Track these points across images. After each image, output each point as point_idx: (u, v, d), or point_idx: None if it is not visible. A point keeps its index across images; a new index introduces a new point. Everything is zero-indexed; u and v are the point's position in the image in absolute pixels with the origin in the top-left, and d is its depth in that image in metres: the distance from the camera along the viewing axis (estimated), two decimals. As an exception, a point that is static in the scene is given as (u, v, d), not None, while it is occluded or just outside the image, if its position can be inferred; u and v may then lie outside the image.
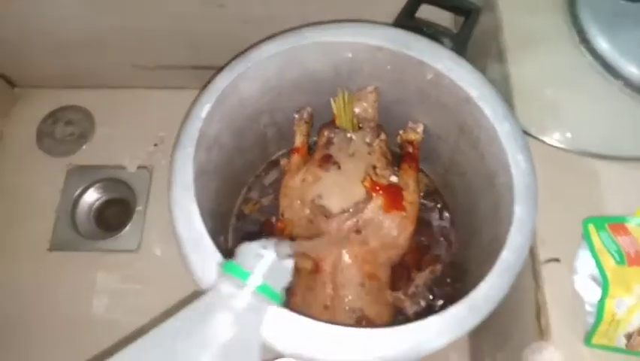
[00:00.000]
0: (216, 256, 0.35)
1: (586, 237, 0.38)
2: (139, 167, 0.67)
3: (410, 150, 0.53)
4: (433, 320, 0.34)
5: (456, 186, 0.54)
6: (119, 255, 0.64)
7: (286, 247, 0.32)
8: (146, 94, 0.71)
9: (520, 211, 0.36)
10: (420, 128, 0.53)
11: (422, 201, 0.57)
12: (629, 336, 0.36)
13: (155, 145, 0.68)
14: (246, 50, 0.44)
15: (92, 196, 0.67)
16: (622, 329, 0.36)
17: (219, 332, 0.28)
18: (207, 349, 0.28)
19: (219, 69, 0.43)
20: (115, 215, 0.67)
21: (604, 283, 0.36)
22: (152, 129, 0.69)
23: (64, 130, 0.70)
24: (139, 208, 0.65)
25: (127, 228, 0.65)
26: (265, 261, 0.30)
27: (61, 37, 0.62)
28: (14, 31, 0.60)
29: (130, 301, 0.62)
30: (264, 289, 0.30)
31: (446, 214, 0.57)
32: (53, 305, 0.62)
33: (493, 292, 0.34)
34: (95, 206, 0.67)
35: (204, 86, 0.42)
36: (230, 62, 0.43)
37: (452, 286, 0.52)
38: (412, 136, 0.53)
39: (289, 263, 0.32)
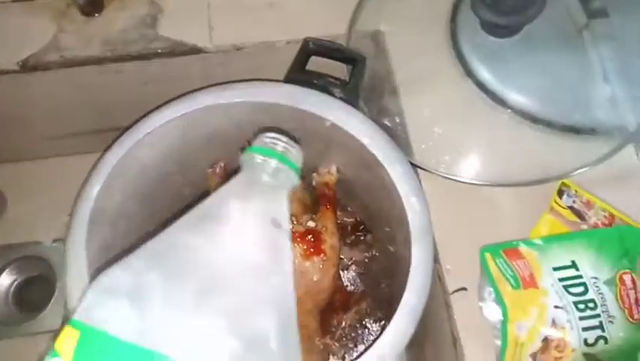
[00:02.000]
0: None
1: (483, 265, 0.40)
2: (54, 240, 0.65)
3: (326, 191, 0.53)
4: (345, 373, 0.34)
5: (376, 224, 0.56)
6: (44, 336, 0.60)
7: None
8: (58, 163, 0.68)
9: (416, 252, 0.38)
10: (334, 169, 0.53)
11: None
12: (534, 355, 0.38)
13: (70, 215, 0.66)
14: (139, 119, 0.44)
15: (8, 279, 0.63)
16: (527, 350, 0.37)
17: (257, 200, 0.33)
18: (250, 214, 0.32)
19: (109, 145, 0.42)
20: (36, 295, 0.64)
21: (503, 310, 0.38)
22: (66, 199, 0.65)
23: (-28, 211, 0.67)
24: (59, 283, 0.62)
25: (49, 307, 0.61)
26: (282, 140, 0.37)
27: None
28: None
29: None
30: (285, 161, 0.36)
31: (372, 251, 0.58)
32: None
33: (398, 338, 0.35)
34: (12, 289, 0.64)
35: (96, 162, 0.41)
36: (120, 135, 0.42)
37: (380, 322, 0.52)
38: (326, 178, 0.54)
39: (298, 148, 0.38)
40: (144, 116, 0.43)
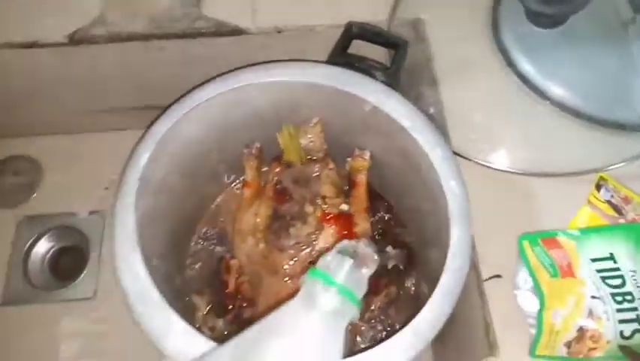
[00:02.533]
0: (162, 305, 0.35)
1: (521, 253, 0.40)
2: (91, 212, 0.66)
3: (359, 177, 0.54)
4: (380, 348, 0.35)
5: (407, 210, 0.56)
6: (76, 304, 0.62)
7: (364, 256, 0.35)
8: (94, 138, 0.70)
9: (455, 235, 0.38)
10: (367, 155, 0.54)
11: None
12: (568, 344, 0.38)
13: (106, 189, 0.67)
14: (185, 94, 0.44)
15: (44, 246, 0.65)
16: (561, 338, 0.38)
17: (308, 331, 0.32)
18: (297, 348, 0.31)
19: (158, 115, 0.43)
20: (70, 263, 0.66)
21: (540, 297, 0.38)
22: (102, 173, 0.68)
23: (12, 181, 0.69)
24: (93, 254, 0.64)
25: (82, 275, 0.63)
26: (346, 266, 0.33)
27: (4, 90, 0.61)
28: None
29: (89, 351, 0.60)
30: (345, 292, 0.33)
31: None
32: (9, 361, 0.60)
33: (436, 317, 0.35)
34: (47, 256, 0.66)
35: (144, 132, 0.43)
36: (169, 106, 0.43)
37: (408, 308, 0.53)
38: (359, 163, 0.54)
39: (366, 272, 0.35)
40: (190, 91, 0.44)
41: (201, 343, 0.34)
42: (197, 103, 0.43)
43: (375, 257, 0.35)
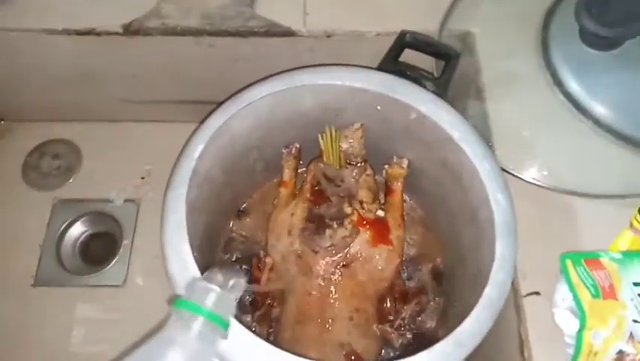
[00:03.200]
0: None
1: (563, 271, 0.40)
2: (126, 200, 0.67)
3: (395, 184, 0.54)
4: (420, 356, 0.35)
5: (441, 220, 0.56)
6: (105, 290, 0.63)
7: (231, 279, 0.36)
8: (133, 127, 0.71)
9: (501, 248, 0.38)
10: (405, 164, 0.54)
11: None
12: (606, 367, 0.37)
13: (143, 178, 0.69)
14: (239, 91, 0.45)
15: (77, 230, 0.67)
16: (599, 360, 0.37)
17: (180, 356, 0.32)
18: None
19: (213, 109, 0.44)
20: (101, 249, 0.67)
21: (581, 316, 0.38)
22: (139, 163, 0.69)
23: (50, 164, 0.70)
24: (125, 242, 0.65)
25: (113, 262, 0.64)
26: (213, 293, 0.34)
27: (50, 74, 0.63)
28: (4, 66, 0.61)
29: (116, 338, 0.61)
30: (213, 317, 0.33)
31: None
32: (37, 342, 0.61)
33: (478, 328, 0.35)
34: (80, 240, 0.67)
35: (198, 126, 0.43)
36: (223, 102, 0.44)
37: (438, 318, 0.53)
38: (397, 171, 0.54)
39: (234, 294, 0.35)
40: (245, 87, 0.44)
41: (245, 335, 0.35)
42: (251, 100, 0.44)
43: (242, 281, 0.36)
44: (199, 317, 0.33)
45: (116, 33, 0.54)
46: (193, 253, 0.40)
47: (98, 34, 0.54)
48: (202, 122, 0.43)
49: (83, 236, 0.67)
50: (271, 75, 0.46)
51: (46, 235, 0.66)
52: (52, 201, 0.68)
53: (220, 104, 0.44)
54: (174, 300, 0.34)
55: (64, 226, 0.66)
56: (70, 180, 0.69)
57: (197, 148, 0.41)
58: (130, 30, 0.54)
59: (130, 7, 0.54)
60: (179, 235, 0.38)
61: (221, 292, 0.34)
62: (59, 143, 0.72)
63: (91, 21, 0.54)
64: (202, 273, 0.38)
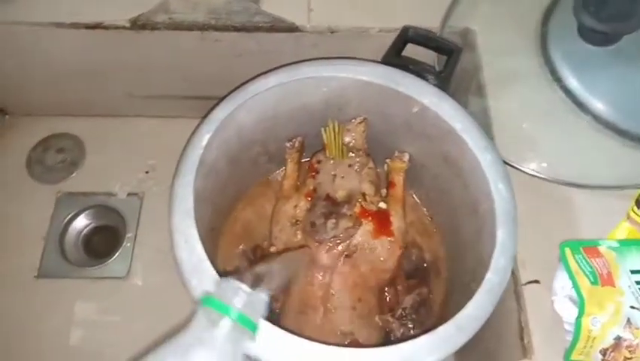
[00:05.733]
0: (217, 279, 0.37)
1: (563, 259, 0.41)
2: (129, 194, 0.68)
3: (396, 178, 0.55)
4: (423, 339, 0.36)
5: (441, 212, 0.57)
6: (108, 282, 0.64)
7: (262, 280, 0.34)
8: (137, 122, 0.72)
9: (502, 235, 0.39)
10: (406, 158, 0.55)
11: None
12: (604, 352, 0.38)
13: (146, 172, 0.69)
14: (245, 82, 0.46)
15: (81, 223, 0.67)
16: (597, 345, 0.38)
17: (205, 357, 0.30)
18: None
19: (219, 99, 0.45)
20: (104, 242, 0.67)
21: (580, 303, 0.39)
22: (143, 157, 0.70)
23: (54, 157, 0.71)
24: (129, 235, 0.66)
25: (116, 255, 0.65)
26: (242, 293, 0.32)
27: (56, 68, 0.63)
28: (9, 61, 0.62)
29: (118, 331, 0.62)
30: (242, 320, 0.32)
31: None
32: (40, 333, 0.61)
33: (479, 312, 0.36)
34: (83, 233, 0.67)
35: (205, 116, 0.44)
36: (230, 93, 0.45)
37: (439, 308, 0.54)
38: (398, 165, 0.55)
39: (265, 295, 0.34)
40: (250, 80, 0.45)
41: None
42: (257, 92, 0.45)
43: (273, 283, 0.35)
44: (227, 318, 0.31)
45: (124, 27, 0.55)
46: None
47: (106, 28, 0.55)
48: (209, 112, 0.44)
49: (87, 229, 0.68)
50: (276, 68, 0.47)
51: (50, 228, 0.66)
52: (56, 194, 0.68)
53: (226, 96, 0.45)
54: (202, 297, 0.33)
55: (67, 218, 0.67)
56: (74, 174, 0.70)
57: (204, 137, 0.42)
58: (137, 24, 0.55)
59: (137, 1, 0.55)
60: (188, 221, 0.39)
61: (251, 293, 0.33)
62: (64, 137, 0.72)
63: (99, 15, 0.55)
64: (210, 260, 0.38)
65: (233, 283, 0.33)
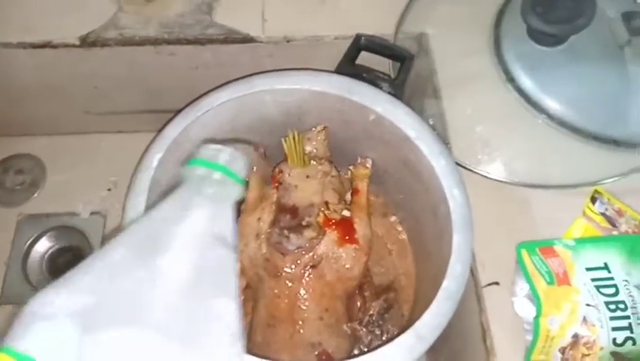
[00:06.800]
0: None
1: (519, 261, 0.41)
2: (92, 213, 0.67)
3: (360, 184, 0.55)
4: (384, 350, 0.36)
5: (405, 217, 0.58)
6: (74, 304, 0.62)
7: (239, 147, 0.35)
8: (97, 139, 0.71)
9: (458, 241, 0.39)
10: (369, 164, 0.55)
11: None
12: (563, 350, 0.39)
13: (109, 190, 0.68)
14: (197, 98, 0.46)
15: (43, 246, 0.66)
16: (556, 344, 0.39)
17: (199, 216, 0.31)
18: (191, 233, 0.30)
19: (172, 117, 0.44)
20: (68, 263, 0.65)
21: (537, 303, 0.39)
22: (104, 174, 0.69)
23: (14, 179, 0.69)
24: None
25: (82, 276, 0.63)
26: (225, 151, 0.33)
27: (10, 87, 0.62)
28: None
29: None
30: (229, 173, 0.32)
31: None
32: (4, 362, 0.59)
33: (437, 321, 0.36)
34: (47, 255, 0.66)
35: (156, 135, 0.43)
36: (182, 109, 0.44)
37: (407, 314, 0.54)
38: (361, 171, 0.55)
39: (247, 154, 0.35)
40: (204, 95, 0.45)
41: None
42: (210, 107, 0.44)
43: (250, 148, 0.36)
44: (214, 171, 0.32)
45: (73, 45, 0.54)
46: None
47: (55, 46, 0.53)
48: (160, 130, 0.43)
49: (50, 251, 0.66)
50: (230, 81, 0.46)
51: (12, 252, 0.64)
52: (17, 217, 0.67)
53: (178, 112, 0.44)
54: (189, 161, 0.33)
55: (30, 241, 0.65)
56: (35, 195, 0.68)
57: (154, 157, 0.41)
58: (87, 42, 0.53)
59: (87, 18, 0.54)
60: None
61: (233, 151, 0.33)
62: (23, 157, 0.70)
63: (47, 34, 0.54)
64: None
65: (214, 144, 0.33)
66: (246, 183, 0.34)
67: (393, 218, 0.61)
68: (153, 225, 0.31)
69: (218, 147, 0.34)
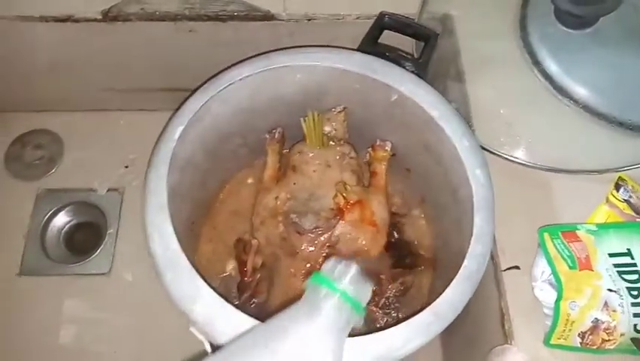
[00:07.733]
0: (192, 272, 0.36)
1: (542, 244, 0.41)
2: (109, 189, 0.67)
3: (379, 167, 0.55)
4: (401, 328, 0.35)
5: (426, 200, 0.57)
6: (90, 279, 0.63)
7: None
8: (115, 116, 0.71)
9: (479, 222, 0.39)
10: (388, 146, 0.55)
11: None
12: (582, 335, 0.38)
13: (126, 167, 0.68)
14: (219, 73, 0.45)
15: (61, 220, 0.66)
16: (576, 328, 0.38)
17: (311, 339, 0.31)
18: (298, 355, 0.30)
19: (192, 91, 0.44)
20: (85, 239, 0.67)
21: (558, 287, 0.39)
22: (122, 152, 0.69)
23: (33, 154, 0.70)
24: (110, 231, 0.65)
25: (98, 251, 0.64)
26: (350, 273, 0.32)
27: (30, 63, 0.62)
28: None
29: (102, 327, 0.61)
30: (349, 299, 0.32)
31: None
32: (22, 331, 0.60)
33: (457, 299, 0.36)
34: (64, 230, 0.67)
35: (177, 108, 0.43)
36: (203, 84, 0.44)
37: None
38: (380, 154, 0.55)
39: (370, 283, 0.34)
40: (225, 69, 0.44)
41: (228, 310, 0.35)
42: (231, 82, 0.44)
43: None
44: (335, 294, 0.31)
45: (95, 19, 0.54)
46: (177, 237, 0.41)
47: (77, 20, 0.53)
48: (181, 104, 0.43)
49: (68, 226, 0.67)
50: (251, 57, 0.46)
51: (31, 225, 0.65)
52: (36, 191, 0.67)
53: (199, 86, 0.44)
54: (312, 276, 0.33)
55: (48, 215, 0.66)
56: (54, 170, 0.69)
57: (176, 129, 0.41)
58: (109, 16, 0.53)
59: (108, -7, 0.54)
60: (162, 215, 0.38)
61: (359, 274, 0.32)
62: (42, 133, 0.71)
63: (69, 8, 0.53)
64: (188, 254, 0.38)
65: (343, 263, 0.33)
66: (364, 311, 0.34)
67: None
68: (275, 333, 0.31)
69: (347, 266, 0.32)
